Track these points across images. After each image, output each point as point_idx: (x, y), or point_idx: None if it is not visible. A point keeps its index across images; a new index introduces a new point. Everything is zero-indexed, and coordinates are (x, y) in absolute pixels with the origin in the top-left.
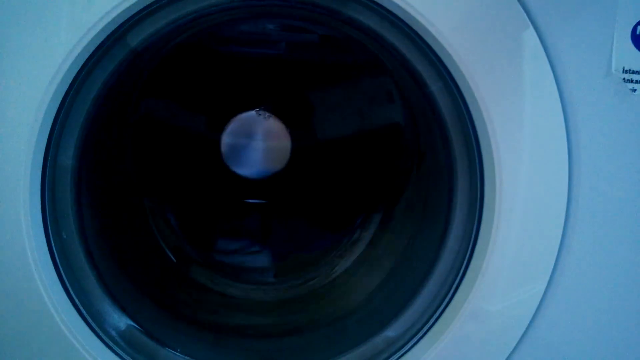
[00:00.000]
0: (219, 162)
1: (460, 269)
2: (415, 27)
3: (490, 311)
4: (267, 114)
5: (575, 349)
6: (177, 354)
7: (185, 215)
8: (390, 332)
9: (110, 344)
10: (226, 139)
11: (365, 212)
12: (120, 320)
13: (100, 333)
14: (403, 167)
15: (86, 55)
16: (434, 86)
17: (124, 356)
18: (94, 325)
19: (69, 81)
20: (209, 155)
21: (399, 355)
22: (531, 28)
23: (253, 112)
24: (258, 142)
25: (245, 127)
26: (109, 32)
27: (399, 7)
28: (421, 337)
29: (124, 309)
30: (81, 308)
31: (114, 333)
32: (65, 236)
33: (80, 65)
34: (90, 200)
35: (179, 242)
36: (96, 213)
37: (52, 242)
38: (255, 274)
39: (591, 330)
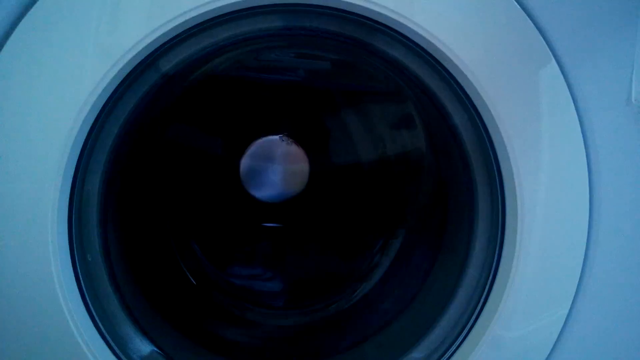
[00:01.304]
0: (237, 186)
1: (480, 296)
2: (440, 59)
3: (511, 339)
4: (290, 139)
5: None
6: None
7: (205, 239)
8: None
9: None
10: (245, 163)
11: (385, 237)
12: (142, 345)
13: (123, 357)
14: (423, 193)
15: (117, 82)
16: (458, 118)
17: None
18: (116, 349)
19: (100, 107)
20: (228, 178)
21: None
22: (553, 61)
23: (273, 137)
24: (277, 166)
25: (264, 151)
26: (140, 58)
27: (425, 39)
28: None
29: (147, 334)
30: (104, 332)
31: (136, 358)
32: (90, 259)
33: (110, 92)
34: (114, 224)
35: (200, 265)
36: (120, 236)
37: (78, 264)
38: (274, 299)
39: (613, 358)
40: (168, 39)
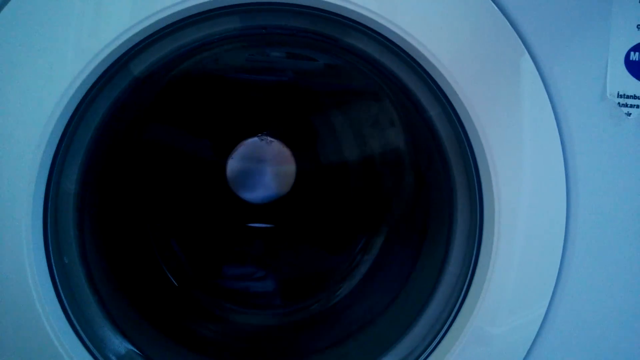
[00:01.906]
0: (223, 187)
1: (460, 292)
2: (413, 55)
3: (492, 334)
4: (270, 138)
5: None
6: None
7: (188, 240)
8: (391, 357)
9: None
10: (231, 164)
11: (367, 235)
12: (120, 345)
13: (101, 358)
14: (404, 192)
15: (90, 83)
16: (433, 111)
17: None
18: (94, 350)
19: (73, 107)
20: (214, 179)
21: None
22: (527, 55)
23: (253, 139)
24: (263, 166)
25: (250, 152)
26: (112, 60)
27: (397, 35)
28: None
29: (125, 334)
30: (82, 333)
31: (114, 358)
32: (67, 261)
33: (84, 92)
34: (92, 225)
35: (182, 266)
36: (98, 238)
37: (54, 267)
38: (258, 299)
39: (593, 352)
40: (138, 40)
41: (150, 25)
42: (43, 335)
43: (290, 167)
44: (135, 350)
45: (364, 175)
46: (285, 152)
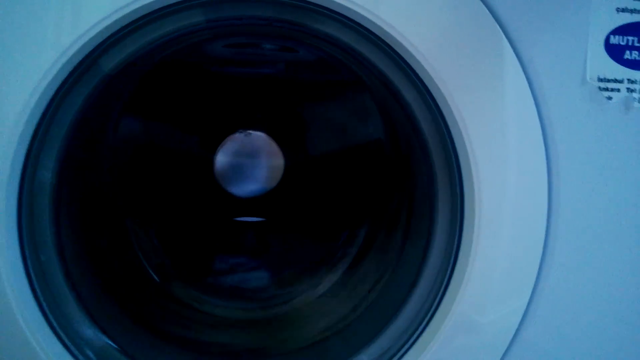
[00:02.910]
0: (210, 181)
1: (442, 282)
2: (389, 42)
3: (476, 322)
4: (248, 131)
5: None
6: None
7: (170, 235)
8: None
9: None
10: (218, 158)
11: (350, 228)
12: (99, 342)
13: (79, 355)
14: (387, 183)
15: (61, 79)
16: (411, 98)
17: None
18: (72, 348)
19: (48, 99)
20: (198, 174)
21: None
22: (504, 39)
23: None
24: (250, 160)
25: (234, 146)
26: (81, 57)
27: (373, 23)
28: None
29: (104, 331)
30: (59, 331)
31: (92, 355)
32: (43, 258)
33: (55, 89)
34: (69, 221)
35: (162, 261)
36: (76, 234)
37: (30, 264)
38: (240, 293)
39: (576, 339)
40: (105, 37)
41: (117, 21)
42: (19, 334)
43: (276, 160)
44: (114, 346)
45: (347, 167)
46: (265, 144)
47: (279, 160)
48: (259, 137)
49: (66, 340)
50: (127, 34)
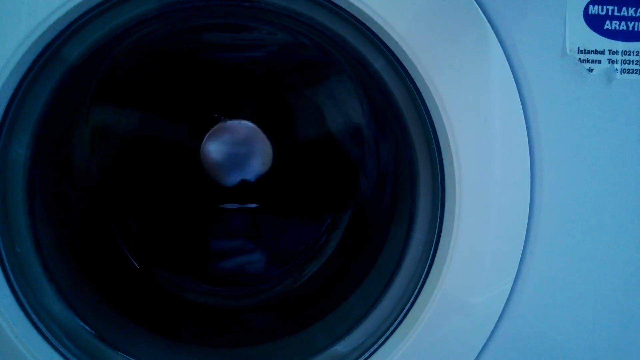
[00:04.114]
0: (195, 169)
1: (426, 264)
2: (367, 23)
3: (462, 304)
4: (223, 117)
5: (547, 339)
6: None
7: (153, 223)
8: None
9: (67, 354)
10: (205, 147)
11: (334, 213)
12: (77, 328)
13: (58, 345)
14: (370, 168)
15: (23, 70)
16: (377, 63)
17: None
18: (52, 339)
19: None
20: (182, 163)
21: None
22: (479, 11)
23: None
24: (237, 149)
25: (220, 135)
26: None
27: (349, 3)
28: (390, 335)
29: (83, 319)
30: (38, 323)
31: (72, 345)
32: (19, 250)
33: (20, 77)
34: (45, 211)
35: (141, 247)
36: (53, 224)
37: (4, 257)
38: (225, 280)
39: (561, 321)
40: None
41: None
42: None
43: (265, 146)
44: (94, 333)
45: (330, 151)
46: (252, 132)
47: (267, 148)
48: (245, 126)
49: (43, 329)
50: (87, 22)
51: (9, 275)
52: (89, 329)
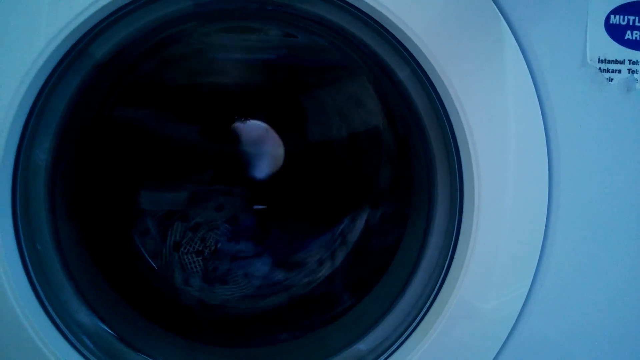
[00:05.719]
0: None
1: (443, 268)
2: (384, 23)
3: (478, 310)
4: (244, 119)
5: (562, 346)
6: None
7: (168, 222)
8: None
9: (87, 354)
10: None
11: (349, 216)
12: (96, 328)
13: (78, 345)
14: (385, 167)
15: (50, 67)
16: (402, 74)
17: None
18: (70, 336)
19: (36, 91)
20: (196, 162)
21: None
22: (502, 19)
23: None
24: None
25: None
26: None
27: (366, 3)
28: (407, 338)
29: (102, 318)
30: (57, 320)
31: (89, 342)
32: (39, 247)
33: (47, 75)
34: (66, 209)
35: (160, 249)
36: (73, 222)
37: (26, 254)
38: (240, 281)
39: (576, 328)
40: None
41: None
42: (16, 323)
43: (276, 148)
44: (112, 332)
45: (347, 153)
46: (262, 131)
47: (279, 149)
48: (258, 127)
49: (63, 328)
50: (116, 21)
51: (30, 273)
52: (107, 328)
